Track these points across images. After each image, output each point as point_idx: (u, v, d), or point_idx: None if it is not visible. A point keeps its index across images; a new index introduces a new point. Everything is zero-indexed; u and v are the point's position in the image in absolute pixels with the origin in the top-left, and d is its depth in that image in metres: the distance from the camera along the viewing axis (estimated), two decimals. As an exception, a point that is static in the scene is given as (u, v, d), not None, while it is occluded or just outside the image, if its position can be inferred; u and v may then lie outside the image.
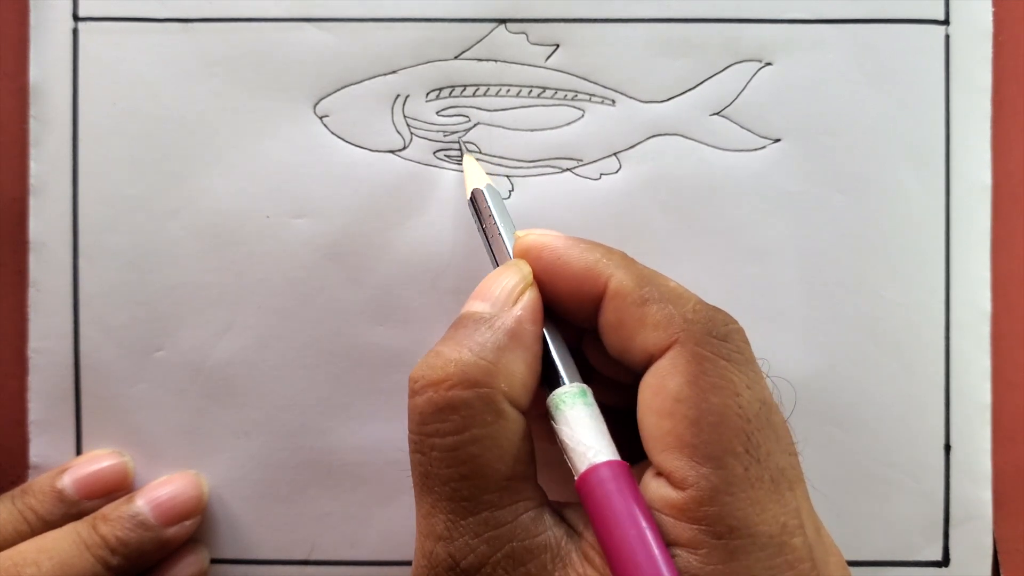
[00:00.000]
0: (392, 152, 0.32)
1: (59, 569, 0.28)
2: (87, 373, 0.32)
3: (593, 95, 0.33)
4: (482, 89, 0.32)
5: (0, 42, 0.33)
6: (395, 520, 0.33)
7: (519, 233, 0.27)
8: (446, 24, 0.32)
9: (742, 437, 0.22)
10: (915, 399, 0.33)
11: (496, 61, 0.32)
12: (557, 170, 0.33)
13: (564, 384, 0.25)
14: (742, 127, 0.33)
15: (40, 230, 0.32)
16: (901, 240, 0.33)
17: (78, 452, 0.33)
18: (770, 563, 0.22)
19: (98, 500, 0.31)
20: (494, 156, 0.32)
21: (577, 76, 0.32)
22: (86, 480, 0.31)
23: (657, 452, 0.23)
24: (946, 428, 0.33)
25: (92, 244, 0.32)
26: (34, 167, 0.32)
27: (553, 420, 0.24)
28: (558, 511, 0.24)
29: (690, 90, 0.33)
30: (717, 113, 0.33)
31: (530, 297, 0.25)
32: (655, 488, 0.23)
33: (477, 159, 0.32)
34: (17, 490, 0.31)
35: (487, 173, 0.32)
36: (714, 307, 0.25)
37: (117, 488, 0.32)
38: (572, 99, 0.32)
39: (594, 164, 0.33)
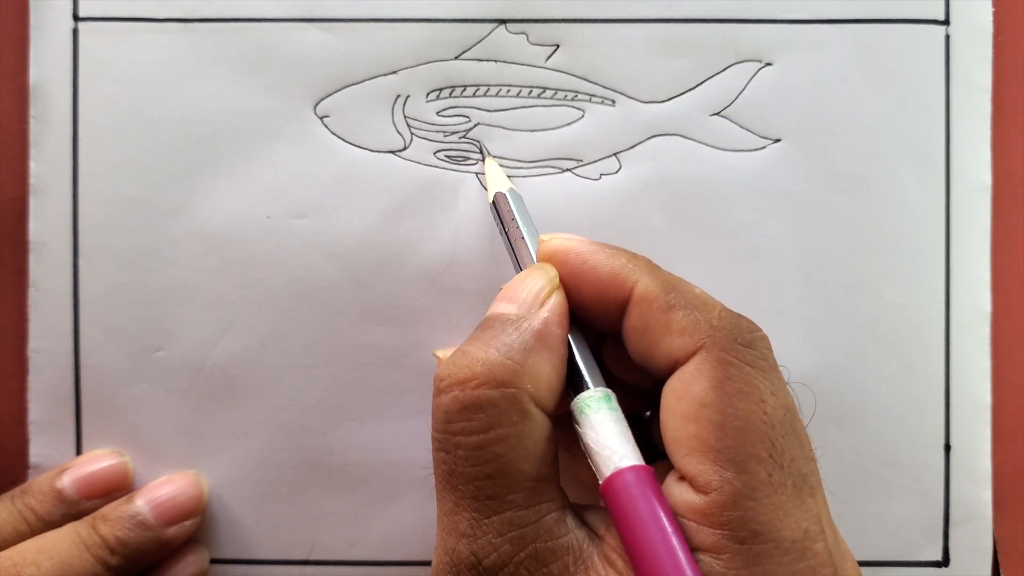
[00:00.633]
0: (392, 152, 0.32)
1: (59, 569, 0.28)
2: (87, 373, 0.32)
3: (593, 95, 0.33)
4: (482, 89, 0.32)
5: (0, 42, 0.33)
6: (395, 520, 0.33)
7: (543, 237, 0.27)
8: (446, 24, 0.32)
9: (766, 443, 0.23)
10: (915, 399, 0.33)
11: (496, 61, 0.32)
12: (557, 170, 0.33)
13: (589, 388, 0.25)
14: (742, 127, 0.33)
15: (40, 230, 0.32)
16: (901, 240, 0.33)
17: (78, 452, 0.33)
18: (792, 568, 0.22)
19: (98, 500, 0.31)
20: (494, 156, 0.32)
21: (577, 76, 0.32)
22: (86, 480, 0.31)
23: (681, 456, 0.23)
24: (946, 428, 0.33)
25: (92, 244, 0.32)
26: (34, 167, 0.32)
27: (577, 424, 0.24)
28: (579, 514, 0.24)
29: (690, 90, 0.33)
30: (717, 113, 0.33)
31: (557, 300, 0.25)
32: (678, 493, 0.23)
33: (476, 159, 0.32)
34: (17, 490, 0.31)
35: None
36: (739, 314, 0.25)
37: (117, 488, 0.31)
38: (572, 99, 0.33)
39: (594, 164, 0.33)
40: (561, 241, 0.27)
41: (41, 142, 0.32)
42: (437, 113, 0.33)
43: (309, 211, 0.32)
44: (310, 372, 0.33)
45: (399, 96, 0.32)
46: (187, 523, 0.31)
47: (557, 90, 0.32)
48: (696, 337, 0.24)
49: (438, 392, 0.24)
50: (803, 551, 0.22)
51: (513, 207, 0.29)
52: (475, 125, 0.33)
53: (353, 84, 0.32)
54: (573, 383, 0.25)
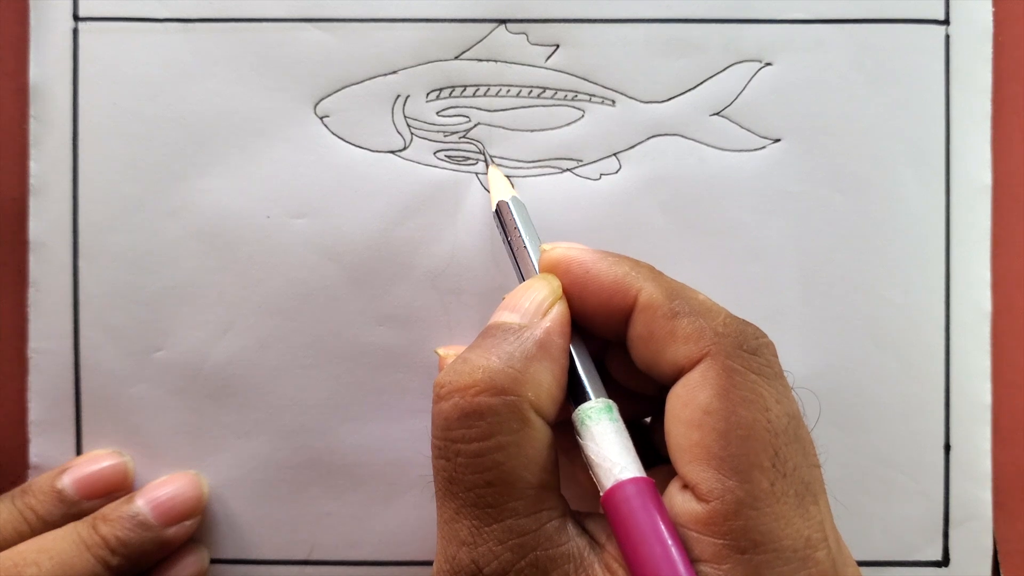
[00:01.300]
0: (392, 152, 0.32)
1: (59, 569, 0.28)
2: (87, 373, 0.32)
3: (593, 95, 0.33)
4: (482, 89, 0.32)
5: (0, 42, 0.33)
6: (395, 520, 0.33)
7: (545, 246, 0.27)
8: (446, 24, 0.32)
9: (769, 451, 0.22)
10: (915, 399, 0.33)
11: (496, 61, 0.32)
12: (557, 170, 0.33)
13: (590, 399, 0.25)
14: (742, 127, 0.33)
15: (40, 230, 0.32)
16: (901, 240, 0.33)
17: (78, 452, 0.33)
18: None
19: (98, 500, 0.31)
20: (494, 156, 0.32)
21: (577, 76, 0.32)
22: (86, 480, 0.31)
23: (684, 463, 0.23)
24: (946, 428, 0.33)
25: (92, 244, 0.32)
26: (34, 167, 0.32)
27: (579, 435, 0.24)
28: (579, 521, 0.24)
29: (690, 90, 0.33)
30: (717, 113, 0.33)
31: (559, 310, 0.25)
32: (680, 502, 0.23)
33: (476, 159, 0.32)
34: (17, 490, 0.31)
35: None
36: (744, 320, 0.25)
37: (117, 488, 0.32)
38: (572, 99, 0.32)
39: (594, 164, 0.33)
40: (563, 250, 0.26)
41: (41, 142, 0.32)
42: (437, 113, 0.33)
43: (309, 211, 0.32)
44: (310, 372, 0.33)
45: (399, 96, 0.32)
46: (187, 523, 0.31)
47: (557, 90, 0.32)
48: (701, 344, 0.24)
49: (438, 399, 0.24)
50: (804, 560, 0.22)
51: (516, 216, 0.29)
52: (475, 125, 0.33)
53: (353, 84, 0.32)
54: (574, 393, 0.25)
